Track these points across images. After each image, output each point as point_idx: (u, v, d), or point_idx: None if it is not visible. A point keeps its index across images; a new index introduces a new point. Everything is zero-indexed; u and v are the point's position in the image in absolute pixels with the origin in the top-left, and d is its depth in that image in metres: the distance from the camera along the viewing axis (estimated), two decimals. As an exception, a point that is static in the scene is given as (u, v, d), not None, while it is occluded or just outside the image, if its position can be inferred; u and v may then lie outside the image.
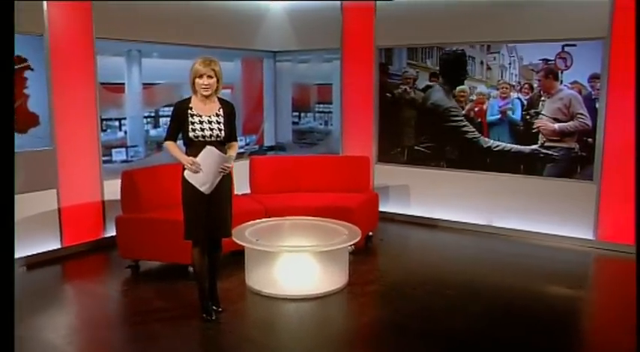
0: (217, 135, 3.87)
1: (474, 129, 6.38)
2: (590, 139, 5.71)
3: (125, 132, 6.06)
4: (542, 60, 5.87)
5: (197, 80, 3.87)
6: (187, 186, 3.85)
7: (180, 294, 4.52)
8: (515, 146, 6.14)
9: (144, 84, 6.19)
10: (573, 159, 5.83)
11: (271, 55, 7.79)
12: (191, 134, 3.84)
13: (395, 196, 6.94)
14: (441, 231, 6.51)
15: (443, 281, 4.84)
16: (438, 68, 6.54)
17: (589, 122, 5.70)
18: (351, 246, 4.75)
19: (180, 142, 3.99)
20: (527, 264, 5.36)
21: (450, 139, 6.55)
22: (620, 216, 5.63)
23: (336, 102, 7.45)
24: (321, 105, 7.68)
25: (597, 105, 5.63)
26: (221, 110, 3.94)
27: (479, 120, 6.34)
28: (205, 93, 3.86)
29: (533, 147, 6.03)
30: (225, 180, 3.93)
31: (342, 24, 7.12)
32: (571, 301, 4.55)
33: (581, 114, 5.73)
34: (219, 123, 3.90)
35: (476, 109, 6.34)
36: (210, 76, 3.85)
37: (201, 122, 3.86)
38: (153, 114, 6.31)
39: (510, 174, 6.20)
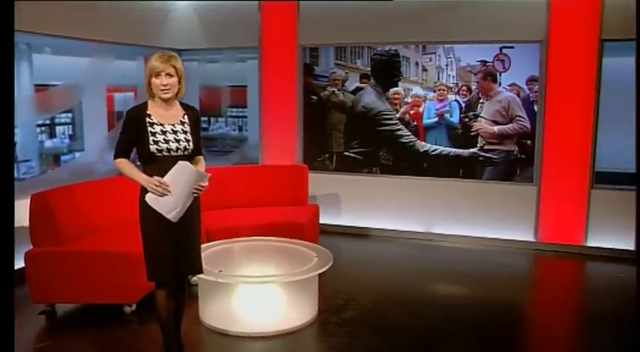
0: (185, 148, 3.12)
1: (409, 133, 6.11)
2: (529, 141, 5.70)
3: (15, 144, 4.92)
4: (480, 61, 5.76)
5: (154, 80, 3.08)
6: (150, 213, 3.03)
7: (127, 344, 3.66)
8: (454, 150, 5.97)
9: (36, 85, 5.08)
10: (513, 162, 5.79)
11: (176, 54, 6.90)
12: (152, 148, 3.04)
13: (324, 206, 6.40)
14: (379, 241, 6.17)
15: (414, 299, 4.50)
16: (369, 69, 6.18)
17: (528, 124, 5.69)
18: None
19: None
20: (478, 271, 5.23)
21: (384, 144, 6.22)
22: (560, 217, 5.69)
23: (252, 105, 6.81)
24: (234, 110, 7.01)
25: (536, 108, 5.63)
26: (186, 117, 3.20)
27: (414, 123, 6.09)
28: (165, 95, 3.09)
29: (472, 150, 5.90)
30: (194, 203, 3.18)
31: (259, 21, 6.49)
32: (524, 305, 4.59)
33: (520, 116, 5.70)
34: (185, 132, 3.14)
35: (411, 112, 6.08)
36: (169, 75, 3.09)
37: (164, 132, 3.08)
38: (48, 122, 5.23)
39: (449, 178, 6.03)
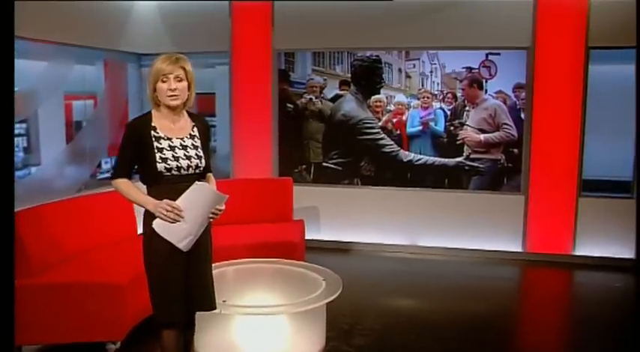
0: (197, 166, 2.70)
1: (392, 143, 5.86)
2: (516, 150, 5.58)
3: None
4: (466, 68, 5.60)
5: (160, 85, 2.66)
6: (156, 242, 2.59)
7: (118, 392, 3.18)
8: (439, 159, 5.77)
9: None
10: (500, 171, 5.65)
11: (135, 58, 6.38)
12: (160, 166, 2.60)
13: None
14: (363, 256, 5.88)
15: (419, 319, 4.23)
16: (349, 75, 5.89)
17: (515, 132, 5.57)
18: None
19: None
20: (469, 285, 5.08)
21: (365, 154, 5.95)
22: (548, 226, 5.59)
23: (221, 114, 6.38)
24: (202, 118, 6.52)
25: (523, 116, 5.52)
26: (195, 129, 2.79)
27: (398, 132, 5.85)
28: (174, 102, 2.67)
29: (458, 159, 5.73)
30: (205, 228, 2.76)
31: (230, 23, 6.07)
32: (523, 318, 4.56)
33: (507, 124, 5.57)
34: (196, 147, 2.73)
35: (394, 120, 5.84)
36: (179, 78, 2.68)
37: (172, 148, 2.65)
38: None
39: (434, 189, 5.82)
